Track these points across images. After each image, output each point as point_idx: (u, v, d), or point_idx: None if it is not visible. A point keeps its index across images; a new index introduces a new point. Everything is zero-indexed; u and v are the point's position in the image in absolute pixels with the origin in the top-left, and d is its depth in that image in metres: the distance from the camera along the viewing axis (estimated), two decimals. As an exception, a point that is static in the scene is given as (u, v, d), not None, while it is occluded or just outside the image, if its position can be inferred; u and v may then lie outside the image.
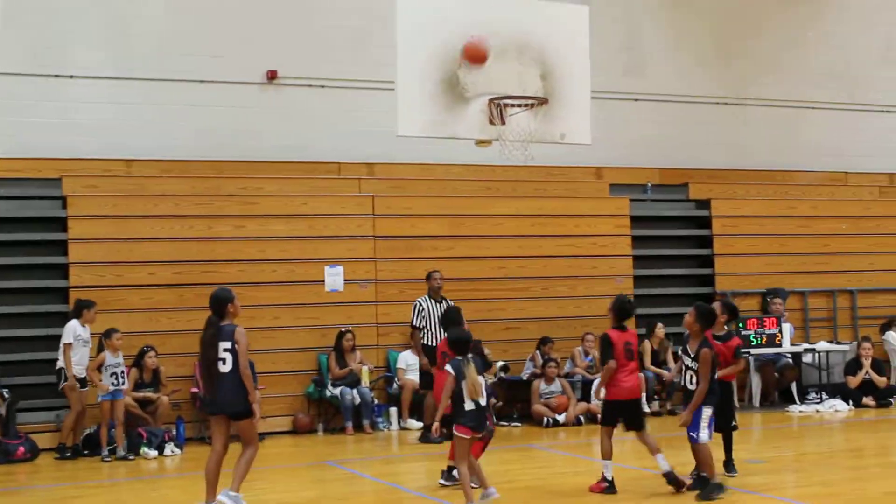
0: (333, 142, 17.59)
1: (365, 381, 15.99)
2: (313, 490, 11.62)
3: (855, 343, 18.47)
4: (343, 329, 16.18)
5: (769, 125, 20.69)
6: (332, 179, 17.43)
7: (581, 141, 13.52)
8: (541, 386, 16.37)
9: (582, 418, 16.24)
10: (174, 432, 14.69)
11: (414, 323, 16.01)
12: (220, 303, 9.86)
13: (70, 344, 13.92)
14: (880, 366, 18.09)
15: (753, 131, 20.59)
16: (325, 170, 17.57)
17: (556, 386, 16.43)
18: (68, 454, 13.98)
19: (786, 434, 15.49)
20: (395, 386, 16.42)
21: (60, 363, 14.06)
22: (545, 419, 16.03)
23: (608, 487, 10.60)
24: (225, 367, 9.64)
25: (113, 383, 13.94)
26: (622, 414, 10.80)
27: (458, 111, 12.58)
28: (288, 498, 11.06)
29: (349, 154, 17.68)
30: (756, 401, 17.81)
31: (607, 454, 10.66)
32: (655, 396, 17.20)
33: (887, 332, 18.90)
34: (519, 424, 16.25)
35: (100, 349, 14.13)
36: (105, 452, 13.69)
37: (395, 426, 16.12)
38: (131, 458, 13.79)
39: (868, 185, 21.28)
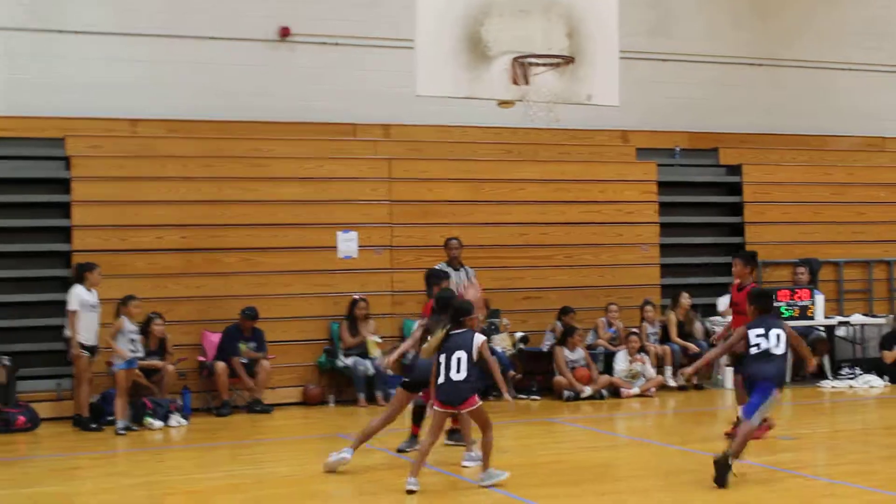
0: (348, 102, 17.52)
1: (373, 352, 15.98)
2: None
3: (891, 316, 18.36)
4: (356, 297, 16.18)
5: (804, 87, 20.53)
6: (347, 141, 17.39)
7: (608, 103, 13.47)
8: (564, 353, 16.31)
9: (604, 392, 16.22)
10: (180, 402, 14.73)
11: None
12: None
13: (76, 311, 13.92)
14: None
15: (787, 94, 20.43)
16: (339, 131, 17.51)
17: (580, 354, 16.41)
18: (93, 426, 13.93)
19: (818, 410, 15.46)
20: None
21: (67, 331, 14.07)
22: (565, 392, 16.02)
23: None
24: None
25: (131, 350, 13.97)
26: None
27: (480, 70, 12.55)
28: (296, 471, 11.08)
29: (365, 115, 17.62)
30: (787, 375, 17.73)
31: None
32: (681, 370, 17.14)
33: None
34: (538, 398, 16.25)
35: (116, 315, 14.10)
36: (121, 425, 13.66)
37: (409, 398, 16.10)
38: (135, 428, 13.83)
39: (906, 151, 21.16)
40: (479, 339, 9.82)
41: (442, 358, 9.81)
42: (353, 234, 16.66)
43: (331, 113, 17.46)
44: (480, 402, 9.83)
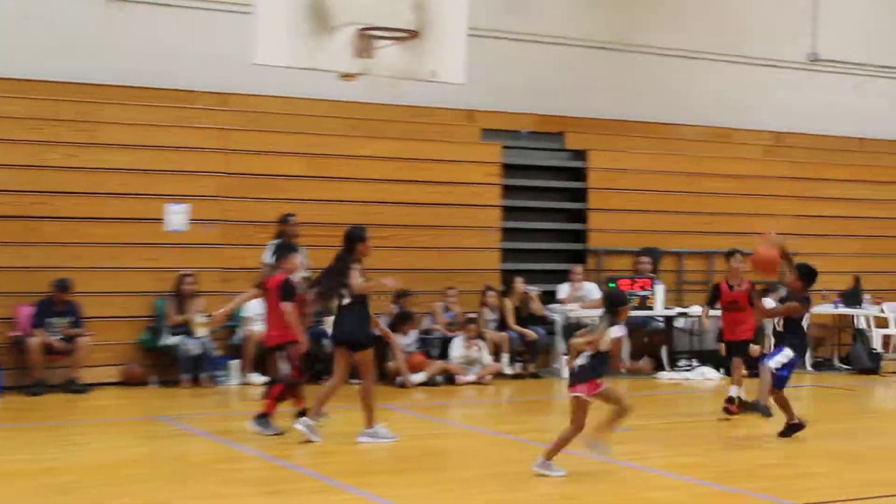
0: (184, 68, 17.06)
1: (197, 331, 15.68)
2: (141, 447, 11.34)
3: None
4: (184, 272, 15.85)
5: (654, 75, 20.77)
6: (182, 109, 16.95)
7: (453, 80, 13.40)
8: (399, 339, 16.25)
9: (439, 378, 16.20)
10: (-8, 379, 14.25)
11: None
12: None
13: None
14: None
15: (637, 80, 20.64)
16: (174, 98, 17.06)
17: (414, 339, 16.36)
18: None
19: (654, 401, 15.69)
20: (238, 336, 16.16)
21: None
22: (398, 378, 15.96)
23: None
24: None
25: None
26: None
27: (323, 41, 12.35)
28: (111, 456, 10.73)
29: (202, 82, 17.19)
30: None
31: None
32: (518, 358, 17.27)
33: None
34: (372, 383, 16.15)
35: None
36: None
37: (235, 380, 15.88)
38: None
39: (754, 143, 21.59)
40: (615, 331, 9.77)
41: None
42: (184, 207, 16.31)
43: (165, 78, 17.01)
44: (587, 395, 9.74)
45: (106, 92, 16.50)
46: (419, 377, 15.99)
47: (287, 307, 11.50)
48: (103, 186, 15.91)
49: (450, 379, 16.25)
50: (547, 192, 19.41)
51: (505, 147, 18.83)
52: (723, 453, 11.30)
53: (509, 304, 17.42)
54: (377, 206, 17.41)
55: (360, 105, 17.35)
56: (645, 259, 18.55)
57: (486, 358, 16.67)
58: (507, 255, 18.48)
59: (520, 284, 17.56)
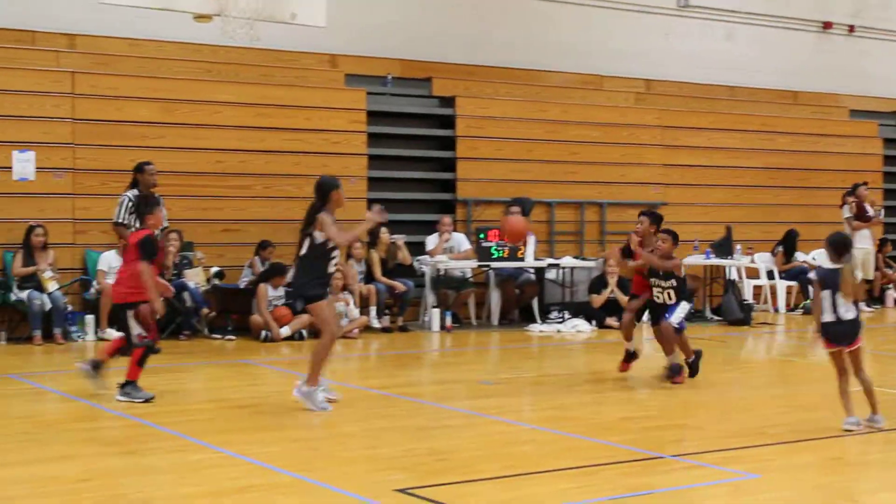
0: (25, 5, 16.64)
1: (47, 286, 15.35)
2: (-12, 407, 11.08)
3: (601, 260, 18.98)
4: (33, 224, 15.49)
5: (522, 20, 20.85)
6: (24, 50, 16.57)
7: (314, 23, 13.35)
8: (269, 291, 16.11)
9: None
10: None
11: (120, 219, 15.14)
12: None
13: None
14: (626, 285, 18.66)
15: (507, 26, 20.71)
16: (14, 38, 16.64)
17: (281, 293, 16.26)
18: None
19: (524, 354, 15.82)
20: (92, 290, 15.87)
21: None
22: (263, 332, 15.85)
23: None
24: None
25: None
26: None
27: (176, -21, 12.14)
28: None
29: (45, 22, 16.80)
30: (494, 319, 18.14)
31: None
32: (386, 311, 17.27)
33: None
34: (234, 337, 16.02)
35: None
36: None
37: (91, 336, 15.60)
38: None
39: (624, 91, 21.84)
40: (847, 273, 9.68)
41: (827, 294, 9.69)
42: (31, 155, 15.92)
43: (4, 17, 16.55)
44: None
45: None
46: (285, 331, 15.90)
47: (144, 267, 11.03)
48: (-58, 134, 15.48)
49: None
50: (414, 140, 19.39)
51: (370, 93, 18.73)
52: (593, 407, 11.43)
53: (376, 255, 17.39)
54: (237, 155, 17.22)
55: (216, 48, 17.15)
56: (515, 209, 18.62)
57: (354, 311, 16.63)
58: (375, 204, 18.39)
59: (386, 235, 17.53)
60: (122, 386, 10.99)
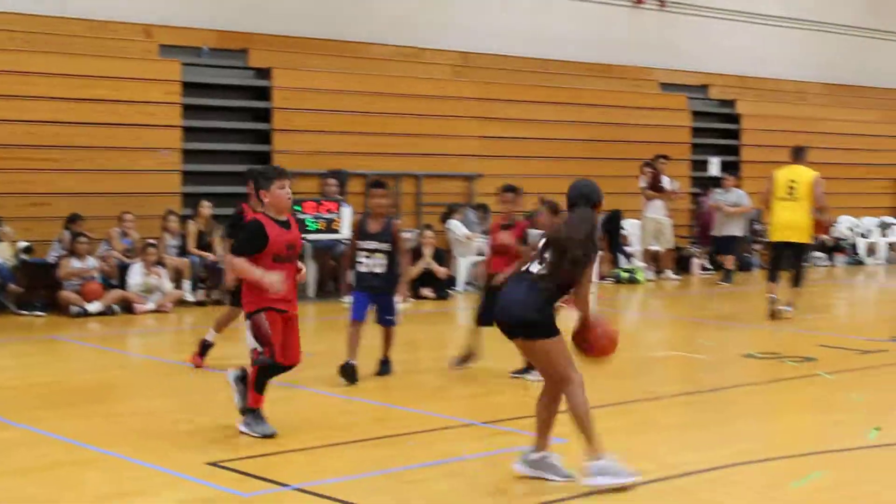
0: None
1: None
2: None
3: (417, 231, 19.16)
4: None
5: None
6: None
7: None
8: (72, 263, 15.85)
9: (116, 307, 15.92)
10: None
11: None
12: None
13: None
14: (441, 256, 18.90)
15: (322, -3, 20.67)
16: None
17: (92, 263, 16.02)
18: None
19: (341, 326, 15.84)
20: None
21: None
22: (73, 308, 15.60)
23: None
24: None
25: None
26: None
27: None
28: None
29: None
30: (311, 291, 18.16)
31: None
32: (200, 284, 17.16)
33: (449, 221, 19.72)
34: (43, 314, 15.74)
35: None
36: None
37: None
38: None
39: (441, 63, 21.99)
40: None
41: None
42: None
43: None
44: None
45: None
46: (95, 306, 15.67)
47: None
48: None
49: (128, 308, 16.00)
50: (230, 111, 19.28)
51: (185, 64, 18.53)
52: (405, 377, 11.54)
53: (193, 227, 17.25)
54: (48, 126, 16.90)
55: (28, 17, 16.74)
56: (332, 181, 18.66)
57: (167, 285, 16.49)
58: (190, 177, 18.26)
59: (206, 208, 17.41)
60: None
